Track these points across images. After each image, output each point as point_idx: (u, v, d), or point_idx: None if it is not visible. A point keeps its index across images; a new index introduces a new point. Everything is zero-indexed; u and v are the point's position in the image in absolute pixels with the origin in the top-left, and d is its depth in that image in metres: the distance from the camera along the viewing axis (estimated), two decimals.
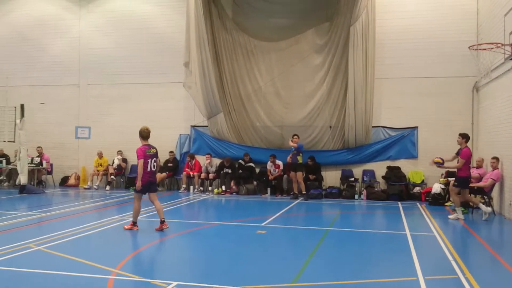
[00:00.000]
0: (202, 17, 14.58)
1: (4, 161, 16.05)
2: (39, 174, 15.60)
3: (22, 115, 14.34)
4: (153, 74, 16.09)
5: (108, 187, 15.56)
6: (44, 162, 15.58)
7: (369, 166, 14.60)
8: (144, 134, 8.19)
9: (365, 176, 14.43)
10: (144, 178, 7.95)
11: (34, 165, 15.22)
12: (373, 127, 14.45)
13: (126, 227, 8.30)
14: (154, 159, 8.17)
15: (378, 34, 14.07)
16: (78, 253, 6.40)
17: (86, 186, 15.72)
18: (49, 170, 16.02)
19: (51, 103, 16.82)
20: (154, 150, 8.22)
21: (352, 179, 14.38)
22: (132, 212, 8.36)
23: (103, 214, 10.62)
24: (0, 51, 17.29)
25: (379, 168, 14.45)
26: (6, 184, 16.09)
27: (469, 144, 10.19)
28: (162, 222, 8.19)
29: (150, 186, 8.18)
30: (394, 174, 14.06)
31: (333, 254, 6.87)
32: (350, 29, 14.05)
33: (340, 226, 9.26)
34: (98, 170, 15.90)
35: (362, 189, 14.08)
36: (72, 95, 16.77)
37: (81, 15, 16.77)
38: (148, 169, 8.04)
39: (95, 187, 15.60)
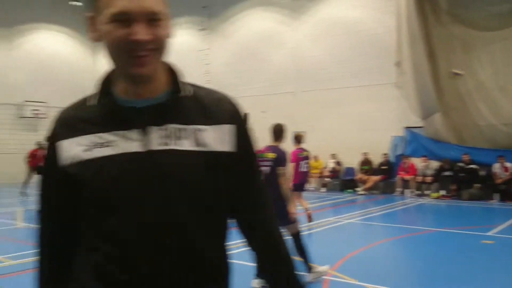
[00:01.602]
0: (414, 15, 13.98)
1: None
2: None
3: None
4: (363, 77, 16.09)
5: (323, 189, 16.12)
6: None
7: None
8: (300, 139, 8.50)
9: None
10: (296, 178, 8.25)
11: None
12: None
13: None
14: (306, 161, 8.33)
15: None
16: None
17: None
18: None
19: (271, 111, 18.25)
20: (306, 153, 8.44)
21: None
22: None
23: (319, 215, 11.04)
24: (230, 66, 19.53)
25: None
26: None
27: None
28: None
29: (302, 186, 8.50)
30: None
31: None
32: None
33: None
34: (313, 173, 16.62)
35: None
36: (289, 102, 17.90)
37: (295, 27, 17.83)
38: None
39: (311, 188, 16.34)
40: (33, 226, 9.17)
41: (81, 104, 1.32)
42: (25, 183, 14.71)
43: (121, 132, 1.22)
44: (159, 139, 1.22)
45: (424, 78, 14.08)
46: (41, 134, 17.51)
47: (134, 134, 1.22)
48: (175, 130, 1.24)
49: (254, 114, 17.50)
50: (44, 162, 1.35)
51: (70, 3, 22.40)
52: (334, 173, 16.40)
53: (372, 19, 15.99)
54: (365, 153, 15.79)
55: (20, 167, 15.64)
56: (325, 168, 16.59)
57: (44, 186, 1.36)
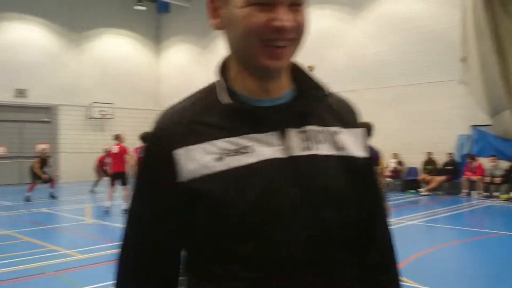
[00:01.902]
0: (480, 6, 13.32)
1: None
2: None
3: None
4: (426, 74, 15.54)
5: (384, 190, 15.77)
6: None
7: None
8: None
9: None
10: None
11: None
12: None
13: None
14: None
15: None
16: None
17: None
18: None
19: None
20: None
21: None
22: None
23: None
24: None
25: None
26: None
27: None
28: None
29: None
30: None
31: None
32: None
33: None
34: None
35: None
36: (351, 100, 17.62)
37: (354, 24, 17.53)
38: None
39: None
40: (102, 223, 9.65)
41: (197, 103, 1.10)
42: (95, 184, 15.64)
43: (255, 136, 1.03)
44: (300, 142, 1.06)
45: (492, 74, 13.39)
46: (108, 134, 18.34)
47: (271, 137, 1.04)
48: (314, 132, 1.08)
49: None
50: (145, 176, 1.09)
51: (135, 7, 23.29)
52: (396, 173, 15.98)
53: (435, 13, 15.42)
54: (428, 153, 15.27)
55: (89, 166, 16.45)
56: (386, 168, 16.18)
57: (144, 206, 1.08)
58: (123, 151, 11.01)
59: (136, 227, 1.10)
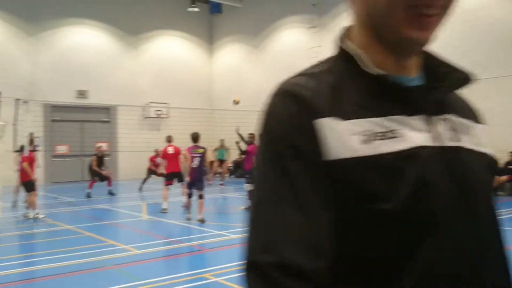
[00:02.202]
0: None
1: None
2: None
3: None
4: (486, 69, 14.86)
5: None
6: None
7: None
8: None
9: None
10: None
11: None
12: None
13: None
14: None
15: None
16: None
17: None
18: None
19: None
20: None
21: None
22: None
23: None
24: None
25: None
26: None
27: None
28: None
29: None
30: None
31: None
32: None
33: None
34: None
35: None
36: None
37: None
38: None
39: None
40: (157, 219, 9.95)
41: (333, 70, 0.91)
42: (143, 182, 16.14)
43: (403, 118, 0.86)
44: (447, 131, 0.89)
45: None
46: (163, 133, 18.85)
47: (419, 122, 0.87)
48: (455, 122, 0.93)
49: None
50: (282, 149, 0.82)
51: (189, 9, 23.79)
52: None
53: (495, 5, 14.72)
54: None
55: (144, 164, 16.98)
56: None
57: (284, 186, 0.81)
58: (178, 152, 11.30)
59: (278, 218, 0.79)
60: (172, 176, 11.20)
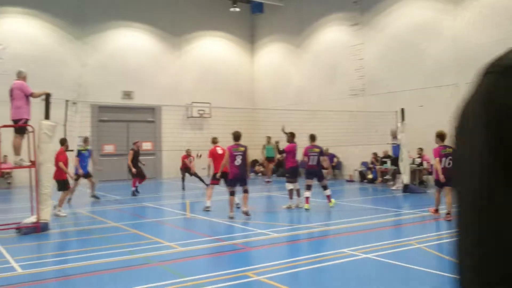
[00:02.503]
0: None
1: (388, 162, 17.55)
2: (420, 174, 16.25)
3: (403, 118, 15.35)
4: None
5: None
6: (424, 162, 16.13)
7: None
8: (443, 137, 9.24)
9: None
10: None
11: (416, 166, 15.98)
12: None
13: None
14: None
15: None
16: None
17: None
18: (430, 170, 16.42)
19: (429, 106, 17.18)
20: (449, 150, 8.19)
21: None
22: None
23: None
24: (384, 60, 18.93)
25: None
26: (391, 183, 17.47)
27: None
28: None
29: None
30: None
31: None
32: None
33: None
34: None
35: None
36: (450, 95, 16.66)
37: (456, 14, 16.52)
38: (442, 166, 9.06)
39: None
40: (200, 217, 10.09)
41: None
42: (183, 180, 16.46)
43: None
44: None
45: None
46: (206, 132, 19.13)
47: None
48: None
49: (411, 109, 16.75)
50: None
51: (230, 9, 23.98)
52: None
53: None
54: None
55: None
56: None
57: None
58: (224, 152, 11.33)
59: None
60: (221, 176, 11.20)
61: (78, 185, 13.12)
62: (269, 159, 18.92)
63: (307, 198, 10.95)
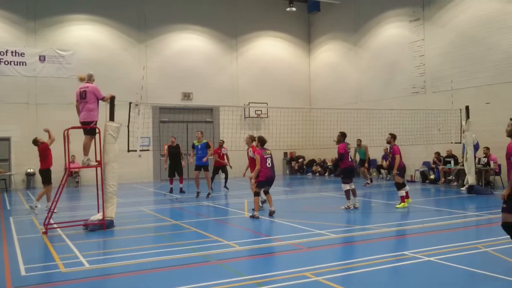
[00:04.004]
0: None
1: (452, 162, 16.87)
2: (487, 174, 15.49)
3: (467, 116, 14.69)
4: None
5: None
6: (491, 162, 15.36)
7: None
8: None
9: None
10: None
11: (481, 166, 15.25)
12: None
13: None
14: None
15: None
16: None
17: None
18: (497, 170, 15.62)
19: (498, 103, 16.33)
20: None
21: None
22: None
23: None
24: (447, 56, 18.20)
25: None
26: (455, 183, 16.78)
27: None
28: None
29: None
30: None
31: None
32: None
33: None
34: None
35: None
36: None
37: None
38: None
39: None
40: (259, 217, 10.15)
41: None
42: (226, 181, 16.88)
43: None
44: None
45: None
46: (263, 132, 19.20)
47: None
48: None
49: (477, 107, 16.01)
50: None
51: (287, 9, 23.96)
52: None
53: None
54: None
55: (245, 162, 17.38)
56: None
57: None
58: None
59: None
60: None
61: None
62: (362, 161, 18.33)
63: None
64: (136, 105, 11.26)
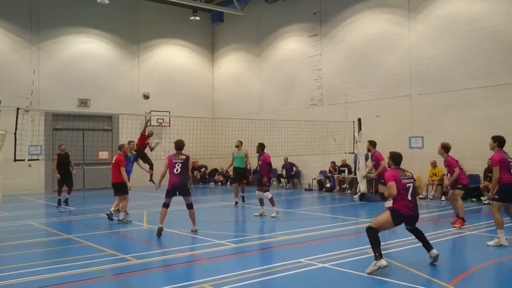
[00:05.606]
0: None
1: (346, 171, 17.84)
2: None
3: (360, 128, 15.66)
4: (489, 77, 14.83)
5: (443, 198, 15.13)
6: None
7: None
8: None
9: None
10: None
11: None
12: None
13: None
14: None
15: None
16: (412, 263, 6.49)
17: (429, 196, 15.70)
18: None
19: (386, 116, 17.61)
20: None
21: None
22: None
23: (438, 225, 10.39)
24: (342, 71, 19.29)
25: None
26: (348, 191, 17.74)
27: None
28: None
29: None
30: None
31: None
32: None
33: None
34: (432, 180, 15.71)
35: None
36: (405, 106, 17.14)
37: (410, 27, 17.05)
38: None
39: (430, 197, 15.47)
40: (154, 227, 9.86)
41: None
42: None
43: None
44: None
45: None
46: (166, 141, 18.83)
47: None
48: None
49: (368, 119, 17.08)
50: None
51: (191, 18, 23.88)
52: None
53: (498, 13, 14.69)
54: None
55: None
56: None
57: None
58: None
59: None
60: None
61: None
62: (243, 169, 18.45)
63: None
64: (27, 111, 10.49)
